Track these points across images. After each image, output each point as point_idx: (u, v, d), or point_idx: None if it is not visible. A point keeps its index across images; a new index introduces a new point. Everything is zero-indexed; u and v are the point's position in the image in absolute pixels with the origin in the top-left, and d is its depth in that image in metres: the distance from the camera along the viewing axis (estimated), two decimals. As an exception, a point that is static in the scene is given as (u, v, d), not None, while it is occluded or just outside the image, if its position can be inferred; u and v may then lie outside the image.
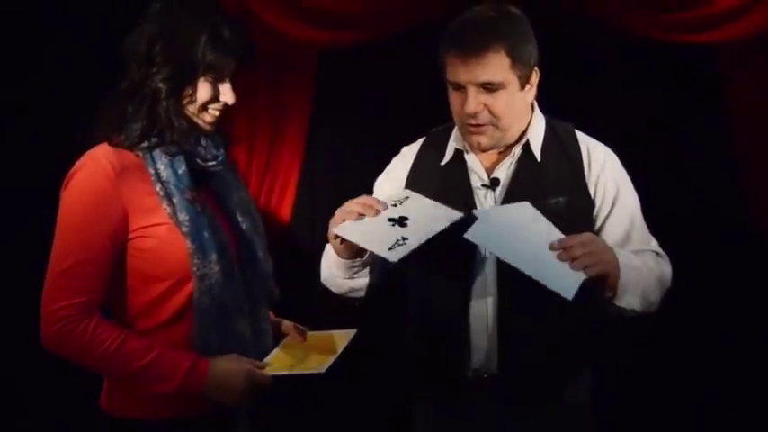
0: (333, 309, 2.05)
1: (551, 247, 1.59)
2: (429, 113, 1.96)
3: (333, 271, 1.89)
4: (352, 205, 1.70)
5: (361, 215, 1.68)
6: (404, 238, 1.62)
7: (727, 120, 2.86)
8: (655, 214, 1.97)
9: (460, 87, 1.77)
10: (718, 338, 2.94)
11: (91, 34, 2.79)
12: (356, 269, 1.84)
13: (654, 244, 1.90)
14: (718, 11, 2.62)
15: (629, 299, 1.71)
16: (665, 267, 1.86)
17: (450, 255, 1.77)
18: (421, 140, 2.01)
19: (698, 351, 2.95)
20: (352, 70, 3.03)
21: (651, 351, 2.90)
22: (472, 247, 1.77)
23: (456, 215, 1.68)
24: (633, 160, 2.01)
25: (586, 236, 1.64)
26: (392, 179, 1.97)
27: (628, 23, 2.74)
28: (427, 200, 1.76)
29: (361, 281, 1.88)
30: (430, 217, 1.69)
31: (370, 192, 2.00)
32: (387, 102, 3.01)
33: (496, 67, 1.73)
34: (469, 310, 1.81)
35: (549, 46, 1.89)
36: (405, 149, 2.02)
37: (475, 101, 1.75)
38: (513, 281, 1.69)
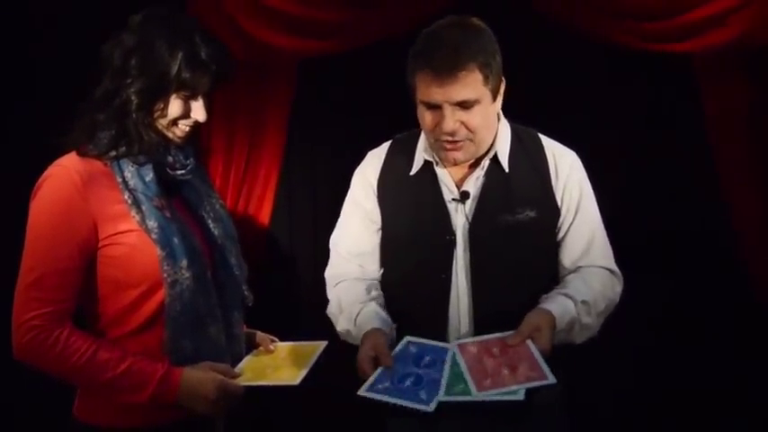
0: (310, 316, 2.05)
1: None
2: (405, 123, 1.95)
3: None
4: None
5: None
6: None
7: (704, 128, 2.88)
8: (622, 225, 2.01)
9: (434, 106, 1.77)
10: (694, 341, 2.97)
11: (74, 36, 2.77)
12: None
13: (610, 260, 1.94)
14: (695, 20, 2.64)
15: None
16: (615, 287, 1.92)
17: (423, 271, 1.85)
18: (386, 145, 2.02)
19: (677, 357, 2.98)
20: (331, 79, 3.03)
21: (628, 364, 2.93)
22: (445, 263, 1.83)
23: None
24: (608, 169, 2.03)
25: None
26: (365, 186, 1.98)
27: (605, 32, 2.76)
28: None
29: None
30: None
31: (345, 192, 2.01)
32: (365, 110, 3.01)
33: (472, 85, 1.73)
34: (447, 319, 1.83)
35: (525, 55, 1.90)
36: (370, 154, 2.03)
37: (452, 119, 1.75)
38: (486, 290, 1.80)
